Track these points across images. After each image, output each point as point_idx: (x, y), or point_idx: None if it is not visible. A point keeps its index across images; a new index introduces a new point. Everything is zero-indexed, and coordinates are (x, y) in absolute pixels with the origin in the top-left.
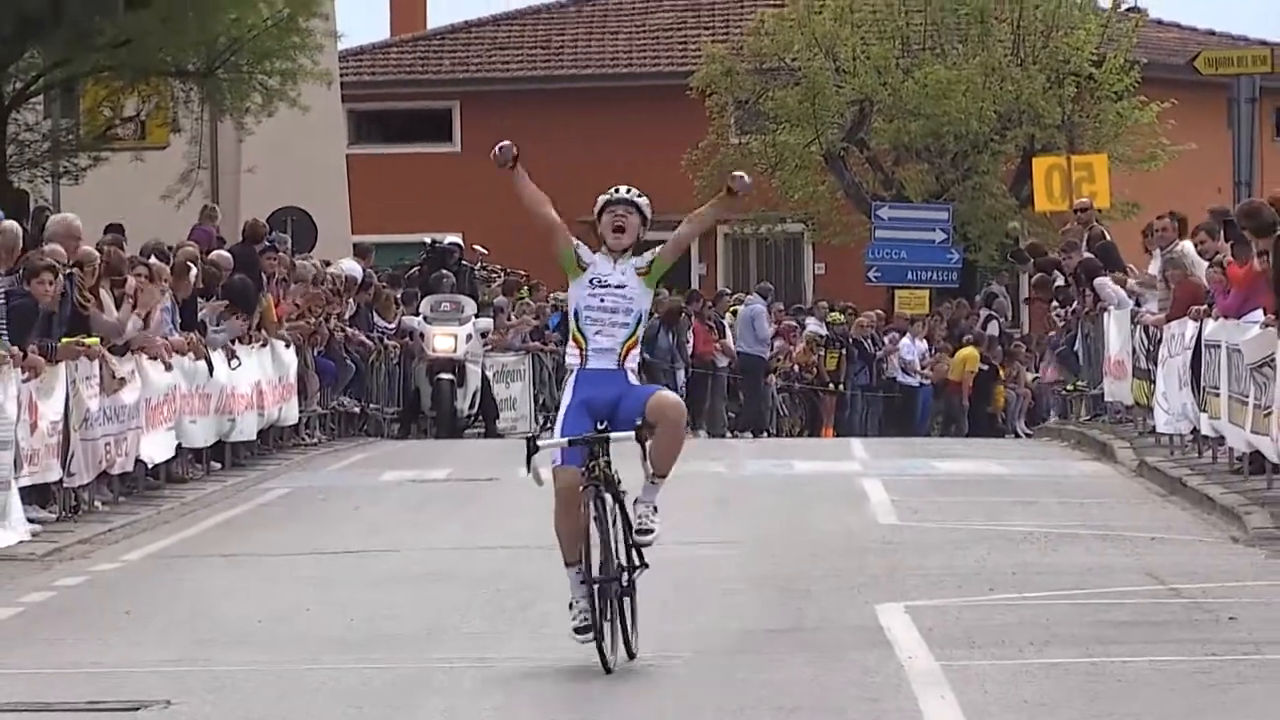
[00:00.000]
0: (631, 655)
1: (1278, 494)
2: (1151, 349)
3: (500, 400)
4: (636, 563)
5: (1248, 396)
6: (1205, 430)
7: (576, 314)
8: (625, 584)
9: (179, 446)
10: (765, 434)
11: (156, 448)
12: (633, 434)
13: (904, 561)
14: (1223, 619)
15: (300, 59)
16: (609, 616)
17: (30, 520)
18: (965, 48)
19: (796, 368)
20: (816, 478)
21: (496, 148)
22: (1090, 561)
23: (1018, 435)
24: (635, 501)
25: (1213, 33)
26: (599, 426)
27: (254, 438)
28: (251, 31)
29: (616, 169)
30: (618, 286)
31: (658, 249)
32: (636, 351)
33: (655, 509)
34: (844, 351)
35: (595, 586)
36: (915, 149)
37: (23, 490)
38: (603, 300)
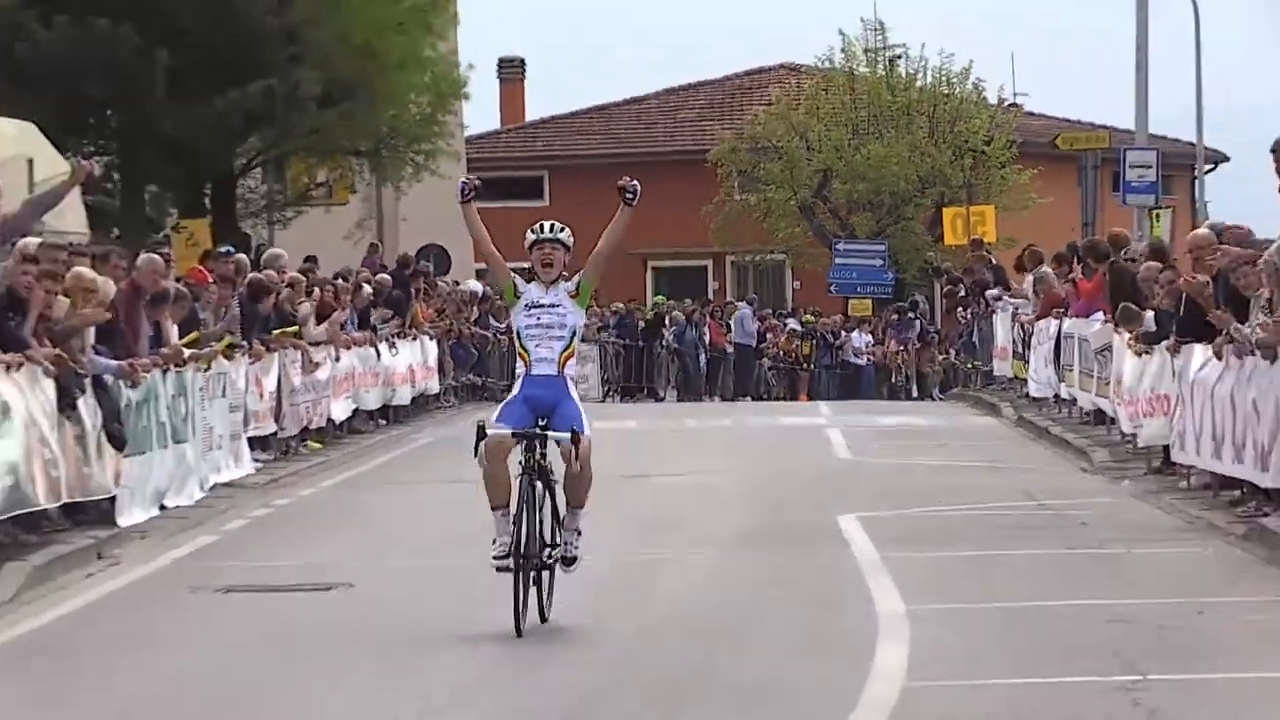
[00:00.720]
0: (544, 619)
1: (1114, 439)
2: (1026, 339)
3: (576, 376)
4: (558, 542)
5: (1093, 371)
6: (1063, 394)
7: (519, 334)
8: (545, 560)
9: (355, 409)
10: (757, 398)
11: (340, 410)
12: (568, 435)
13: (856, 486)
14: (1076, 524)
15: (439, 143)
16: (527, 587)
17: (255, 460)
18: (896, 132)
19: (781, 353)
20: (795, 428)
21: (460, 180)
22: (984, 484)
23: (933, 399)
24: (563, 528)
25: (1068, 120)
26: (540, 423)
27: (408, 403)
28: (406, 123)
29: (657, 218)
30: (551, 306)
31: (581, 273)
32: (574, 361)
33: (579, 533)
34: (814, 341)
35: (517, 561)
36: (862, 203)
37: (250, 439)
38: (539, 319)
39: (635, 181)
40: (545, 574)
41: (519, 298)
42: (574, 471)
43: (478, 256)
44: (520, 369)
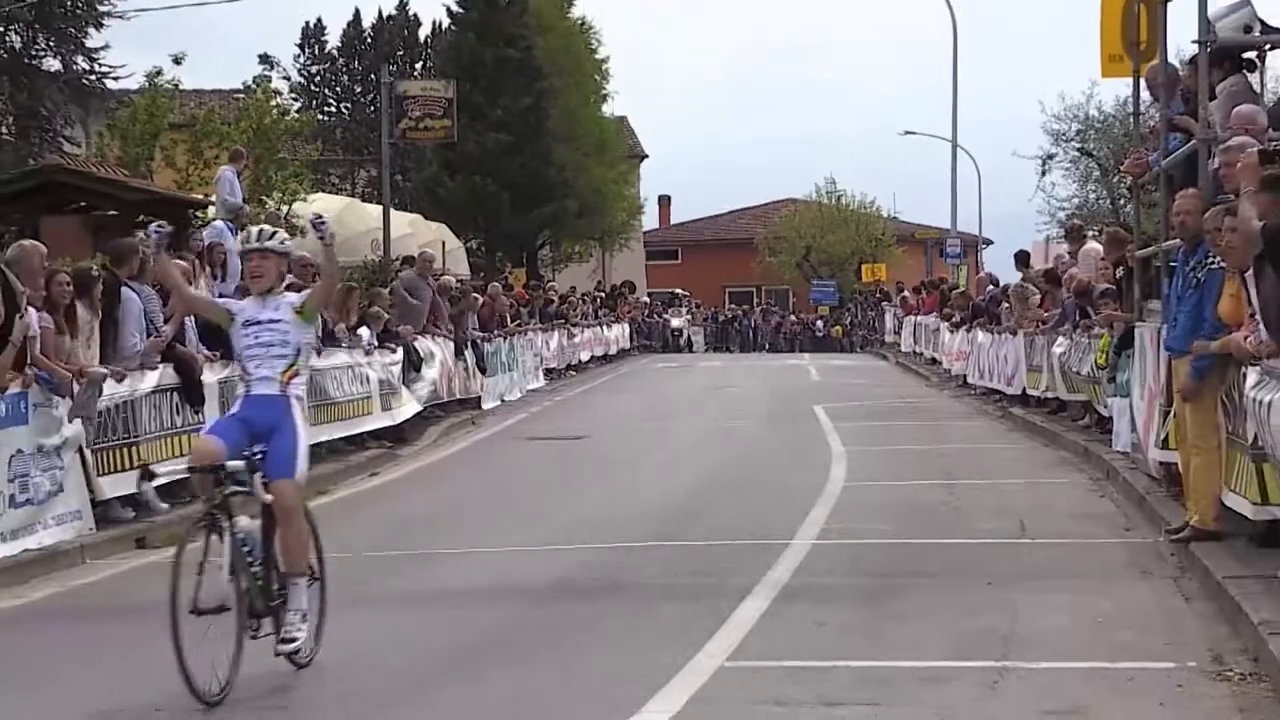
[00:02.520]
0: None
1: (941, 372)
2: (898, 325)
3: (694, 340)
4: (273, 593)
5: (931, 340)
6: (917, 351)
7: (239, 356)
8: (251, 611)
9: (604, 354)
10: (775, 351)
11: (585, 355)
12: (261, 480)
13: (823, 392)
14: (921, 409)
15: (631, 234)
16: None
17: (546, 378)
18: (841, 229)
19: (788, 331)
20: (791, 365)
21: (152, 227)
22: (880, 391)
23: (856, 352)
24: (285, 610)
25: (921, 224)
26: (252, 449)
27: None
28: (616, 221)
29: (731, 269)
30: (270, 321)
31: (307, 293)
32: (300, 380)
33: (304, 615)
34: (801, 325)
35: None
36: (823, 262)
37: (544, 371)
38: (257, 336)
39: (321, 218)
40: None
41: (234, 318)
42: (281, 529)
43: (181, 306)
44: (240, 387)
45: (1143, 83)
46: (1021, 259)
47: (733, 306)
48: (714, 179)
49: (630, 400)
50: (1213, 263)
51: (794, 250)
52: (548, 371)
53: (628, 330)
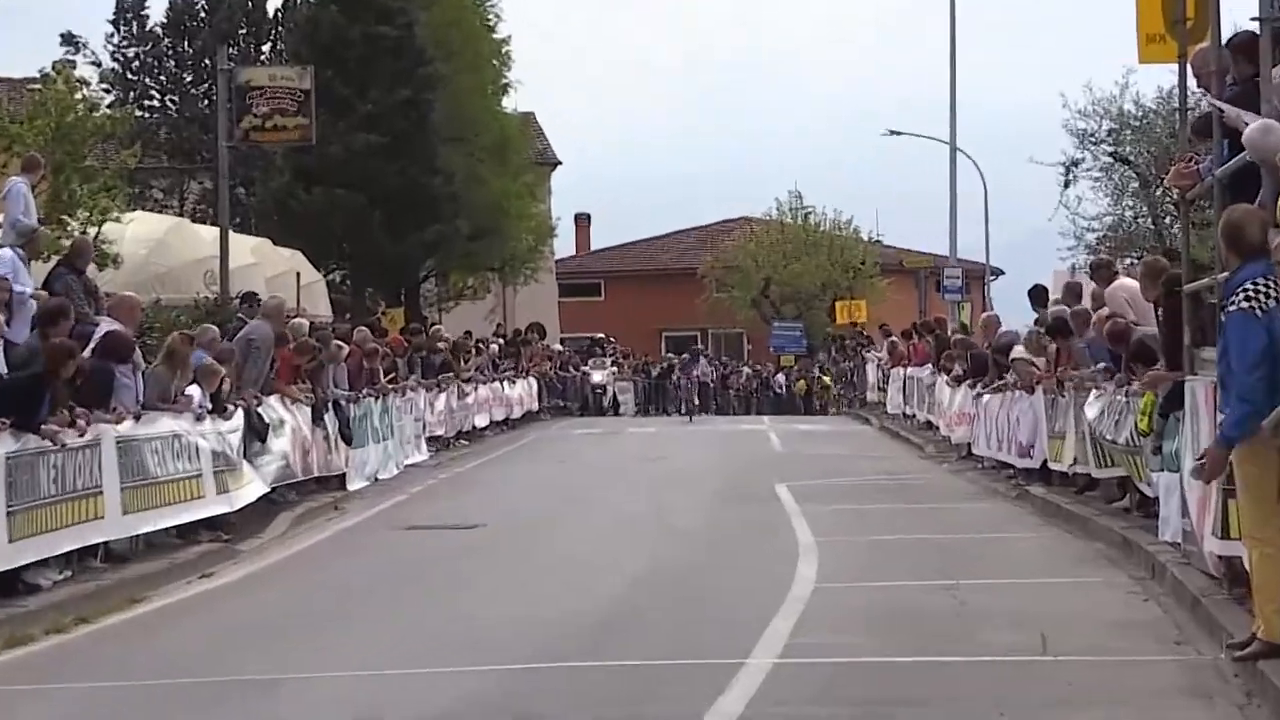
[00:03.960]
0: None
1: (938, 438)
2: (884, 380)
3: (621, 400)
4: None
5: (924, 398)
6: (907, 412)
7: None
8: None
9: (490, 420)
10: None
11: (480, 420)
12: None
13: (787, 465)
14: (913, 487)
15: (539, 263)
16: None
17: (429, 450)
18: (809, 256)
19: (738, 387)
20: (747, 431)
21: None
22: (860, 464)
23: (828, 414)
24: None
25: (909, 249)
26: None
27: (519, 416)
28: (522, 248)
29: (668, 306)
30: None
31: None
32: None
33: None
34: (758, 379)
35: None
36: (787, 298)
37: (427, 439)
38: None
39: None
40: None
41: None
42: None
43: None
44: None
45: (1190, 69)
46: (1038, 296)
47: (670, 356)
48: (645, 193)
49: (539, 477)
50: (1241, 298)
51: (750, 284)
52: (432, 440)
53: (535, 387)
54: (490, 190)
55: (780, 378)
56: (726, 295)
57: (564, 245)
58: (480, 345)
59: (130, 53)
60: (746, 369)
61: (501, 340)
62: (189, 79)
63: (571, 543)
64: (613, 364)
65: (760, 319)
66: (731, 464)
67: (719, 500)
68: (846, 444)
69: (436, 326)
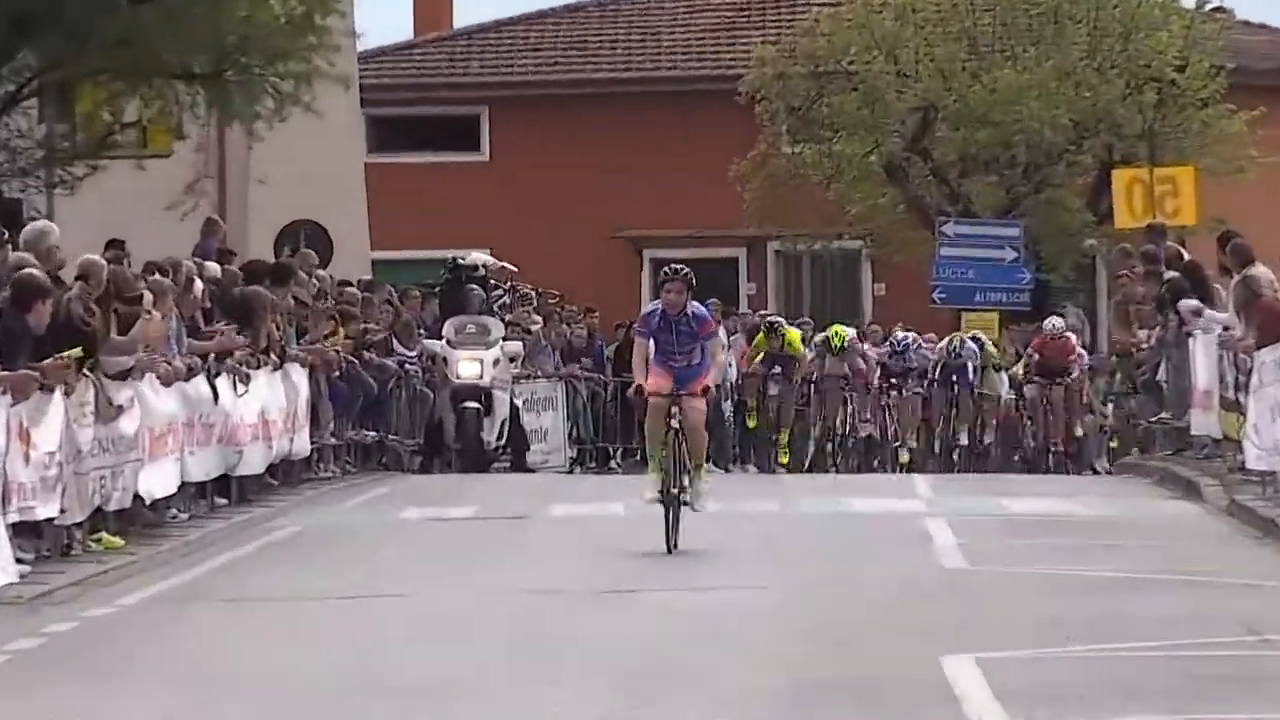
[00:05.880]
0: None
1: None
2: (1242, 378)
3: (530, 431)
4: None
5: None
6: None
7: None
8: None
9: (181, 483)
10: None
11: (157, 482)
12: None
13: (973, 609)
14: None
15: (316, 60)
16: None
17: (19, 560)
18: (1038, 50)
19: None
20: (875, 516)
21: None
22: (1176, 610)
23: (1096, 471)
24: None
25: None
26: None
27: (261, 471)
28: (263, 30)
29: (658, 180)
30: None
31: None
32: None
33: None
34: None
35: None
36: (983, 160)
37: (12, 527)
38: None
39: None
40: None
41: None
42: None
43: None
44: None
45: None
46: None
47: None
48: None
49: (287, 636)
50: None
51: (877, 119)
52: (30, 530)
53: (305, 392)
54: None
55: (970, 368)
56: (815, 152)
57: (384, 20)
58: (161, 279)
59: None
60: (865, 344)
61: (222, 268)
62: None
63: None
64: (512, 329)
65: (905, 211)
66: (829, 605)
67: (793, 713)
68: (1136, 552)
69: (35, 226)
